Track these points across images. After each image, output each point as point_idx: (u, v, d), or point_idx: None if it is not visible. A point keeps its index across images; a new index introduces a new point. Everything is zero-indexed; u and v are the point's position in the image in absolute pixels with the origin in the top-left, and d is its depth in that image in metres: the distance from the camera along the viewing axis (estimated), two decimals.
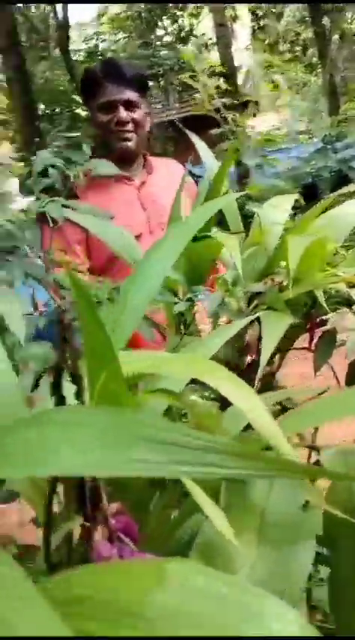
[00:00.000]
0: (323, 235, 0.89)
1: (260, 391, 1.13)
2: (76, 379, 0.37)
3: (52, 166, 0.88)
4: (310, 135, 8.97)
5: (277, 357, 1.14)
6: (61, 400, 0.39)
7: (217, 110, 1.08)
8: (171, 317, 1.02)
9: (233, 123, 1.04)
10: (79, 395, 0.37)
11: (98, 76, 1.73)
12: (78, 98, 10.24)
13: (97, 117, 1.73)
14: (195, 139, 1.51)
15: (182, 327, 0.97)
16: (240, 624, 0.25)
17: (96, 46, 9.77)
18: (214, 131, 1.10)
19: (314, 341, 1.04)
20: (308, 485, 0.47)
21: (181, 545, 0.43)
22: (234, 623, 0.25)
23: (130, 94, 1.72)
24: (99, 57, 10.58)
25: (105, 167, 0.91)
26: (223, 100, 1.03)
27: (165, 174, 1.75)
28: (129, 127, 1.71)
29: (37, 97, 11.55)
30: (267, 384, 1.13)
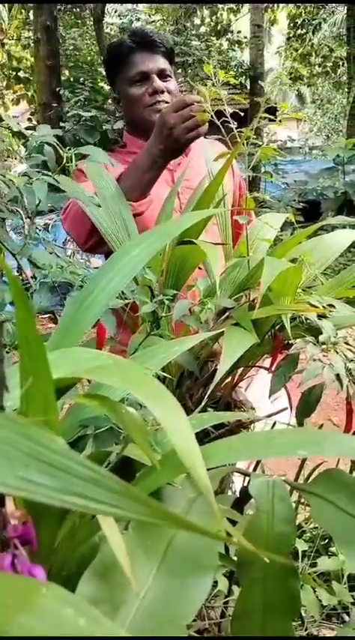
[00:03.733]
0: (301, 262, 0.89)
1: (216, 402, 1.14)
2: None
3: (48, 144, 0.87)
4: (323, 152, 8.97)
5: (239, 371, 1.15)
6: None
7: (220, 115, 1.07)
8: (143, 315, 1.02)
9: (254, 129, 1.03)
10: None
11: (127, 47, 1.61)
12: (102, 71, 10.07)
13: (129, 91, 1.60)
14: (202, 138, 1.48)
15: (150, 326, 0.97)
16: None
17: (131, 22, 9.62)
18: (210, 137, 1.10)
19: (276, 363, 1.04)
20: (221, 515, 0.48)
21: (83, 560, 0.42)
22: None
23: (163, 63, 1.61)
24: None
25: (99, 155, 0.90)
26: (228, 107, 1.02)
27: (207, 156, 1.47)
28: (165, 96, 1.58)
29: (63, 63, 11.34)
30: (225, 397, 1.14)
